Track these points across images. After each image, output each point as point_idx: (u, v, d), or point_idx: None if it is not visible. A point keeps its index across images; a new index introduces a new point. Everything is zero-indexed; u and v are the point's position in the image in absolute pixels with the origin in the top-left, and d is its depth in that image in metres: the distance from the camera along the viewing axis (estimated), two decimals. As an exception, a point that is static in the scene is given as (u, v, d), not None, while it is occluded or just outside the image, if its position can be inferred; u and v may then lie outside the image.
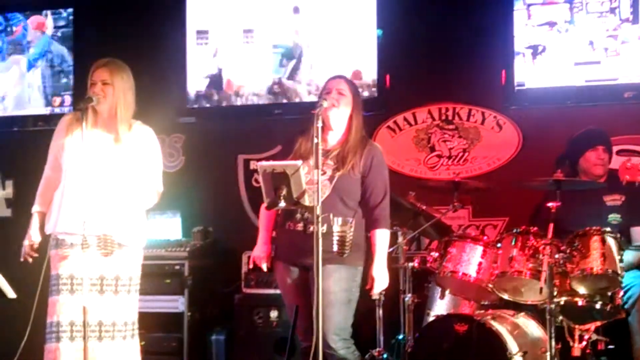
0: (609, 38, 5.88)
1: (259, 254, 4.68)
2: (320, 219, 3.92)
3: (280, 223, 4.59)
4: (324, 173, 4.44)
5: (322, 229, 3.98)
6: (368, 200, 4.50)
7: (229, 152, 6.90)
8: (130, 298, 4.54)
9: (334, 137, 4.56)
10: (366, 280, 4.49)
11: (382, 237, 4.48)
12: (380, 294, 5.19)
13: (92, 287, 4.36)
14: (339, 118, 4.53)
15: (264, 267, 4.66)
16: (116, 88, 4.46)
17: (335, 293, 4.41)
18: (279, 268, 4.62)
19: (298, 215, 4.44)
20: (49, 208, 4.53)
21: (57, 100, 7.13)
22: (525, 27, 6.08)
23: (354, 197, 4.50)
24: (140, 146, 4.53)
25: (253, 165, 6.74)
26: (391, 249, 5.13)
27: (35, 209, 4.60)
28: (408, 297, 5.19)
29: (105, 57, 4.62)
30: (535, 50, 6.03)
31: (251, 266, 4.79)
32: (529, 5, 6.08)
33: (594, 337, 4.76)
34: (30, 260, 4.53)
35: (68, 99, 7.10)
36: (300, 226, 4.43)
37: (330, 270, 4.39)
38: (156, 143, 4.63)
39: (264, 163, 4.20)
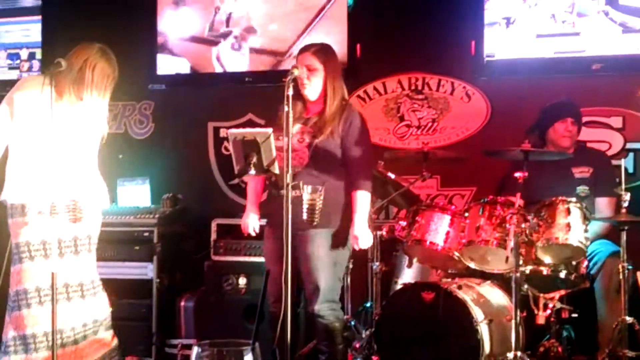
0: (566, 12, 5.92)
1: (249, 217, 4.75)
2: (290, 186, 3.94)
3: (268, 190, 4.65)
4: (302, 141, 4.49)
5: (297, 193, 4.03)
6: (346, 163, 4.57)
7: (199, 119, 6.88)
8: (94, 255, 4.62)
9: (314, 106, 4.60)
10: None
11: (359, 198, 4.54)
12: (349, 261, 5.27)
13: (66, 249, 4.42)
14: (313, 91, 4.59)
15: (252, 231, 4.72)
16: None
17: (321, 257, 4.50)
18: (266, 234, 4.69)
19: (281, 182, 4.48)
20: None
21: (25, 65, 7.08)
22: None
23: (334, 161, 4.56)
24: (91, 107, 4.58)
25: (223, 132, 6.74)
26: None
27: None
28: (376, 265, 5.23)
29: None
30: (508, 21, 6.06)
31: (246, 233, 4.83)
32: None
33: (558, 305, 4.83)
34: None
35: (36, 64, 7.05)
36: (283, 192, 4.44)
37: (314, 234, 4.47)
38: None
39: (234, 130, 4.22)
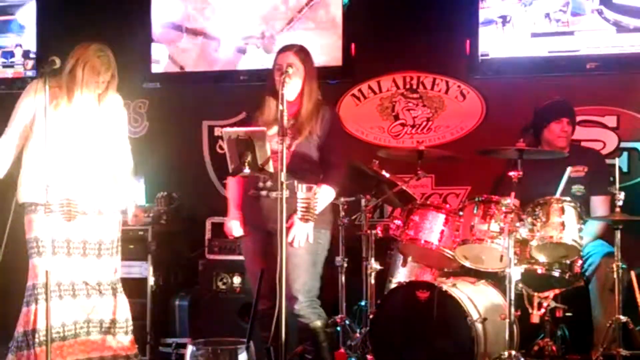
0: (561, 12, 5.94)
1: (231, 221, 4.72)
2: (284, 185, 3.94)
3: (245, 190, 4.64)
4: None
5: (286, 193, 4.02)
6: (322, 161, 4.59)
7: (193, 118, 6.88)
8: (116, 259, 4.73)
9: (290, 108, 4.59)
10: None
11: (322, 192, 4.51)
12: (344, 259, 5.26)
13: (74, 250, 4.55)
14: (292, 91, 4.59)
15: (238, 233, 4.69)
16: None
17: (301, 255, 4.49)
18: (245, 233, 4.69)
19: (261, 184, 4.50)
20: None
21: (21, 63, 7.07)
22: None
23: (313, 162, 4.58)
24: (114, 111, 4.71)
25: (218, 131, 6.73)
26: (354, 217, 5.19)
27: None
28: (370, 264, 5.23)
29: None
30: (504, 20, 6.07)
31: (231, 237, 4.81)
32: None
33: (553, 304, 4.83)
34: None
35: (30, 62, 7.04)
36: (264, 192, 4.48)
37: None
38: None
39: (229, 129, 4.21)
